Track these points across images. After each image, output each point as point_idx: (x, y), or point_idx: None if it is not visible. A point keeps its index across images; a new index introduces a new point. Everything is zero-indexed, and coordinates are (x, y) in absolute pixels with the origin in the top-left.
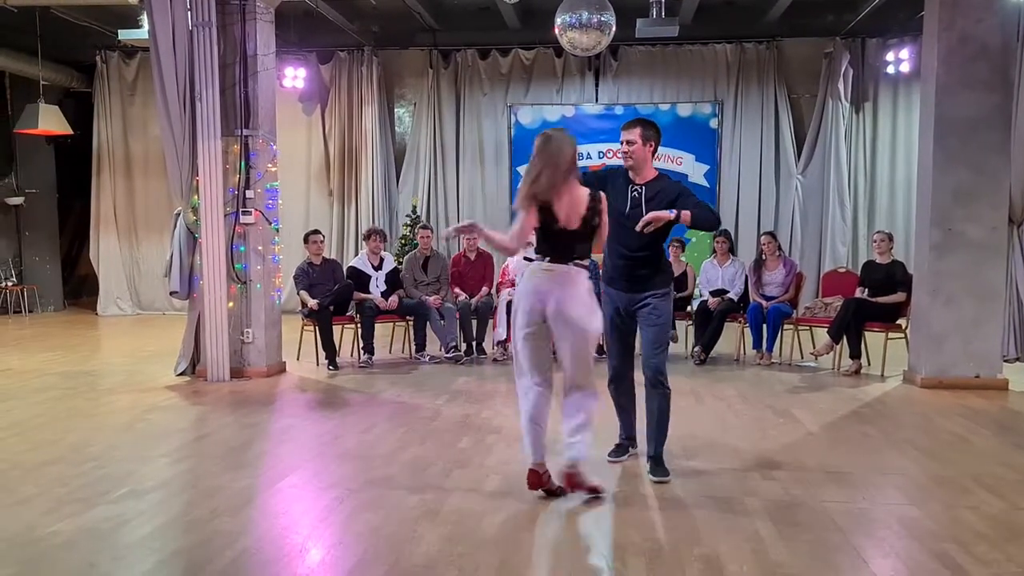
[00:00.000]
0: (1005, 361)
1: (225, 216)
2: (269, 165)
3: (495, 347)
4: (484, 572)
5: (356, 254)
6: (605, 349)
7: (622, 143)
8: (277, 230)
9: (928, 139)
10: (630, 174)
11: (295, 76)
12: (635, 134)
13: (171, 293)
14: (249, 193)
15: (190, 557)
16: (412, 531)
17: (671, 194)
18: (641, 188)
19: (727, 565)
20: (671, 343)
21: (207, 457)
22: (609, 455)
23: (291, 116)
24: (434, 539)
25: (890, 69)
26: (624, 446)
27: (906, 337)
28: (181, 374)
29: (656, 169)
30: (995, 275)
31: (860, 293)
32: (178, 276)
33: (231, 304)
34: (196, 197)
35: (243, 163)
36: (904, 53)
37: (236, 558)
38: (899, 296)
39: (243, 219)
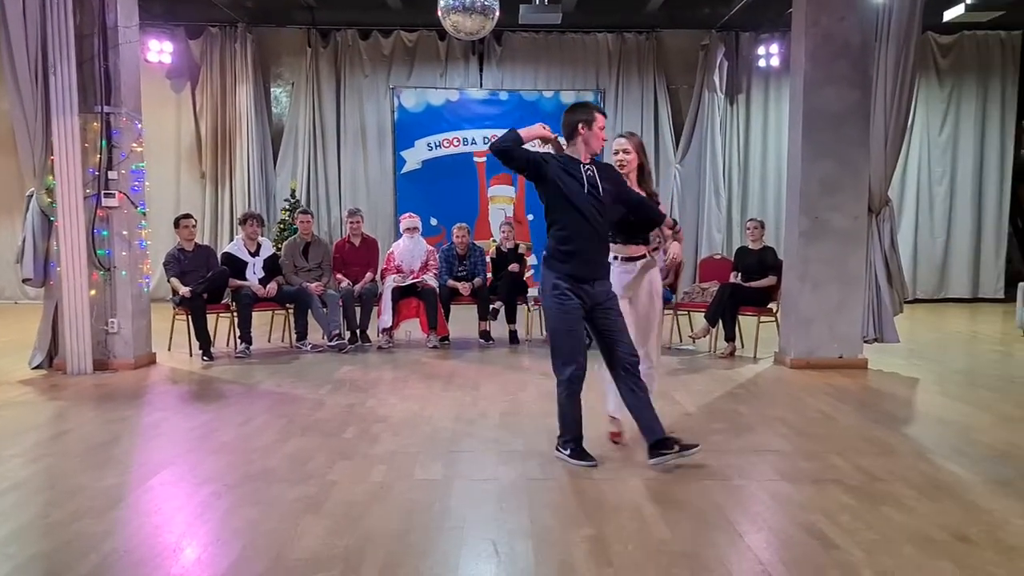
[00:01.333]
0: (865, 342)
1: (85, 198)
2: (134, 144)
3: (380, 335)
4: (370, 564)
5: (231, 239)
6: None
7: (616, 152)
8: (144, 214)
9: (797, 131)
10: (573, 155)
11: (161, 51)
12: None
13: (24, 280)
14: (112, 174)
15: (50, 562)
16: (294, 525)
17: (618, 177)
18: (592, 168)
19: (612, 544)
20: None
21: (67, 455)
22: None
23: (158, 93)
24: (317, 533)
25: (762, 63)
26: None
27: (777, 320)
28: (37, 367)
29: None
30: (857, 261)
31: (734, 278)
32: (32, 262)
33: (93, 292)
34: (51, 177)
35: (104, 142)
36: (774, 48)
37: (102, 561)
38: (770, 280)
39: (105, 202)
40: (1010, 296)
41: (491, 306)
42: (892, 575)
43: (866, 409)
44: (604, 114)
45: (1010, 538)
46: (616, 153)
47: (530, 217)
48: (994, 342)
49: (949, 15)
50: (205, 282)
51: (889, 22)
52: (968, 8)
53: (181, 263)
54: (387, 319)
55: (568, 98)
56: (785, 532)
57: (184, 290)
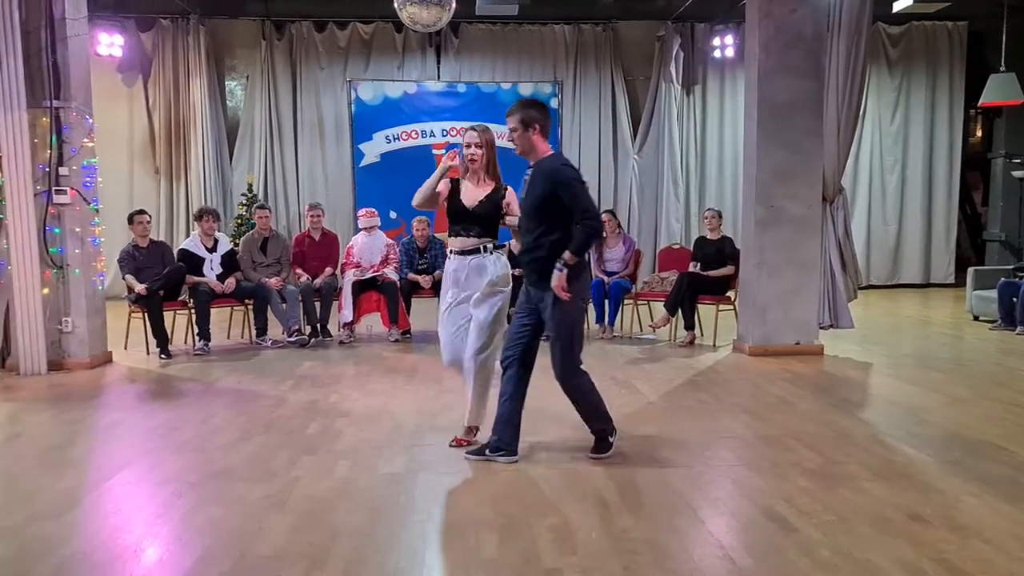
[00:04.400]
0: (820, 328)
1: (35, 195)
2: (85, 140)
3: (341, 329)
4: (336, 560)
5: (187, 236)
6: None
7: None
8: (97, 210)
9: (752, 121)
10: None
11: (111, 44)
12: (514, 120)
13: None
14: (63, 170)
15: (8, 567)
16: (258, 523)
17: (537, 184)
18: (529, 171)
19: (577, 533)
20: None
21: (21, 458)
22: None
23: (109, 87)
24: (282, 530)
25: (717, 54)
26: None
27: (735, 309)
28: None
29: (551, 148)
30: (811, 249)
31: (693, 268)
32: None
33: (46, 290)
34: None
35: (54, 137)
36: (729, 39)
37: (62, 564)
38: (728, 269)
39: (57, 198)
40: (960, 281)
41: None
42: (849, 555)
43: (823, 394)
44: (507, 116)
45: (961, 516)
46: (468, 147)
47: None
48: (945, 326)
49: (898, 6)
50: (161, 279)
51: (840, 13)
52: None
53: (136, 260)
54: (348, 313)
55: (526, 90)
56: (746, 516)
57: (140, 287)
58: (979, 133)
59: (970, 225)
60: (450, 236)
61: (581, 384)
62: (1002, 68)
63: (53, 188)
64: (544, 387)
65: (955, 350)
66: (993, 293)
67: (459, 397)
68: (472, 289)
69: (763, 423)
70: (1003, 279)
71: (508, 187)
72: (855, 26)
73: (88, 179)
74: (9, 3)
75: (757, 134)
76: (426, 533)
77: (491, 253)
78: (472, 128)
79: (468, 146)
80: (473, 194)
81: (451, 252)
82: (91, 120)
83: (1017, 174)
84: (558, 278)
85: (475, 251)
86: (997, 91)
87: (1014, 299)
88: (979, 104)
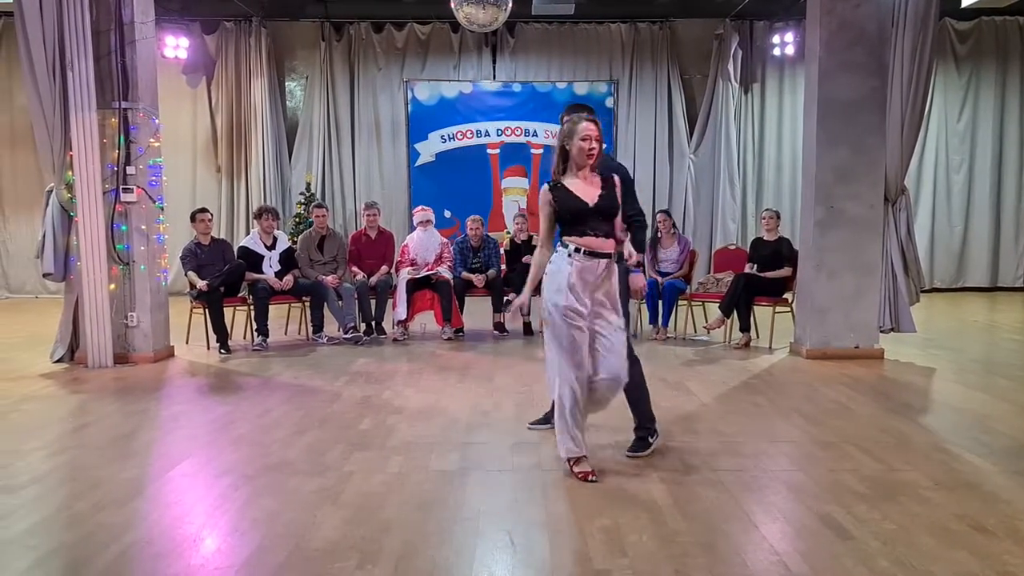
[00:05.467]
0: (881, 332)
1: (104, 193)
2: (151, 140)
3: (395, 327)
4: (387, 554)
5: (247, 233)
6: None
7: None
8: (161, 208)
9: (812, 120)
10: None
11: (177, 46)
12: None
13: (45, 275)
14: (130, 169)
15: (71, 553)
16: (312, 516)
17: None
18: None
19: (627, 535)
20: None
21: (88, 448)
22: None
23: (174, 88)
24: (335, 523)
25: (776, 51)
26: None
27: (792, 311)
28: (58, 361)
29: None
30: (872, 250)
31: (749, 269)
32: (52, 257)
33: (113, 286)
34: (71, 173)
35: (122, 137)
36: (789, 36)
37: (123, 552)
38: (785, 271)
39: (124, 197)
40: None
41: (505, 298)
42: (909, 565)
43: (882, 399)
44: (593, 120)
45: None
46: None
47: None
48: (1012, 331)
49: (967, 1)
50: (222, 276)
51: (906, 8)
52: None
53: (198, 257)
54: (402, 311)
55: (582, 89)
56: (801, 522)
57: (201, 284)
58: None
59: None
60: (573, 237)
61: (640, 373)
62: None
63: (121, 187)
64: None
65: (1023, 356)
66: None
67: (508, 395)
68: (603, 294)
69: (820, 428)
70: None
71: (613, 175)
72: (921, 22)
73: (154, 178)
74: (81, 7)
75: (817, 133)
76: (477, 530)
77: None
78: (590, 119)
79: (586, 139)
80: (587, 190)
81: (571, 254)
82: (157, 121)
83: None
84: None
85: (608, 254)
86: None
87: None
88: None
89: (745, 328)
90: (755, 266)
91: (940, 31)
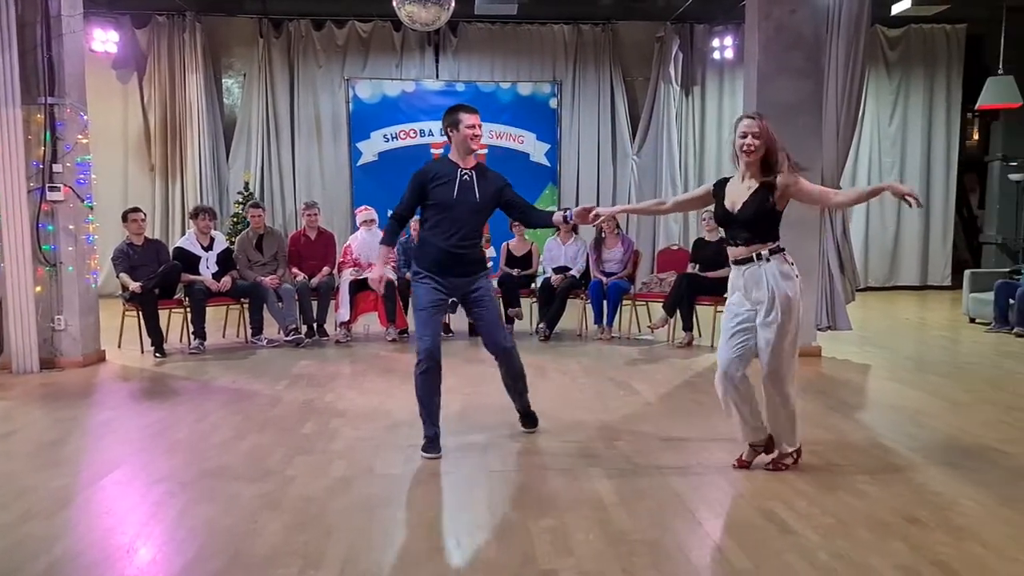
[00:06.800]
0: (818, 330)
1: (29, 192)
2: (79, 136)
3: (338, 328)
4: (331, 559)
5: (183, 234)
6: (417, 335)
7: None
8: (91, 208)
9: None
10: (453, 159)
11: (106, 40)
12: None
13: None
14: (57, 167)
15: None
16: (252, 522)
17: (499, 182)
18: (470, 173)
19: (574, 534)
20: (517, 320)
21: (14, 456)
22: (430, 452)
23: (104, 84)
24: (276, 529)
25: (716, 55)
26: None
27: None
28: None
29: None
30: (810, 250)
31: (692, 269)
32: None
33: (39, 288)
34: None
35: (48, 134)
36: (728, 40)
37: (53, 564)
38: (727, 271)
39: (50, 195)
40: (957, 283)
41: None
42: (847, 557)
43: (821, 396)
44: (473, 111)
45: (958, 519)
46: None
47: None
48: (942, 328)
49: (897, 8)
50: (156, 277)
51: (839, 14)
52: (915, 2)
53: (131, 258)
54: (345, 313)
55: (525, 90)
56: (743, 518)
57: (134, 285)
58: (976, 136)
59: (966, 228)
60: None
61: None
62: (1000, 71)
63: (47, 185)
64: (535, 385)
65: (952, 353)
66: (989, 295)
67: (453, 396)
68: (755, 301)
69: None
70: (999, 281)
71: (778, 175)
72: (854, 28)
73: (82, 176)
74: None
75: None
76: (423, 533)
77: (767, 261)
78: (749, 116)
79: (745, 136)
80: (738, 194)
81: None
82: (85, 117)
83: (1014, 177)
84: None
85: (747, 260)
86: (994, 94)
87: (1010, 301)
88: (976, 107)
89: (688, 327)
90: (697, 266)
91: (871, 37)
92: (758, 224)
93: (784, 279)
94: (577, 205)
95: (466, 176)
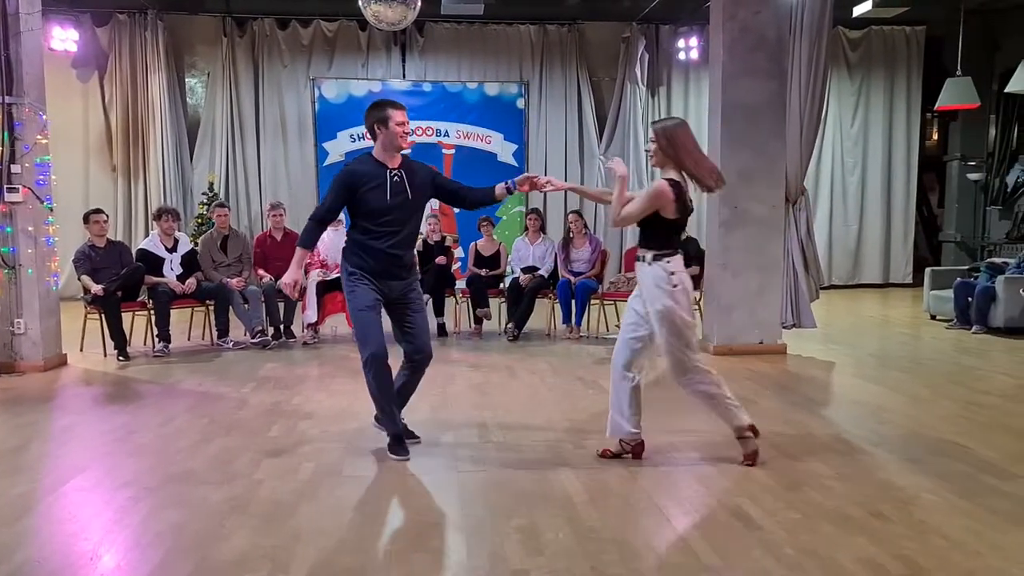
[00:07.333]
0: (783, 328)
1: None
2: (38, 136)
3: (305, 330)
4: (299, 563)
5: (146, 235)
6: (362, 336)
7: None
8: (51, 209)
9: (716, 123)
10: (379, 159)
11: (65, 39)
12: None
13: None
14: (15, 168)
15: None
16: (219, 526)
17: (428, 172)
18: (399, 172)
19: (544, 533)
20: (486, 320)
21: None
22: (400, 455)
23: (63, 83)
24: (244, 533)
25: (681, 56)
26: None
27: (700, 308)
28: None
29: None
30: (775, 249)
31: None
32: None
33: None
34: None
35: (6, 134)
36: (693, 41)
37: (14, 571)
38: (693, 270)
39: (9, 197)
40: (918, 281)
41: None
42: (813, 552)
43: (786, 393)
44: (401, 107)
45: (920, 512)
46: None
47: (456, 209)
48: (904, 325)
49: (858, 10)
50: (119, 279)
51: (802, 16)
52: (876, 4)
53: (92, 260)
54: (312, 314)
55: (492, 90)
56: (711, 515)
57: (96, 288)
58: (935, 136)
59: (927, 226)
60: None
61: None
62: (958, 72)
63: (5, 186)
64: (504, 385)
65: (914, 349)
66: (949, 293)
67: (422, 397)
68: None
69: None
70: (959, 279)
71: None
72: (816, 29)
73: (41, 177)
74: None
75: (721, 135)
76: (392, 535)
77: (648, 264)
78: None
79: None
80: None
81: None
82: (44, 116)
83: (972, 176)
84: None
85: (640, 260)
86: (953, 95)
87: (969, 299)
88: (935, 108)
89: None
90: None
91: (833, 39)
92: (643, 227)
93: (656, 287)
94: (545, 205)
95: (396, 177)
